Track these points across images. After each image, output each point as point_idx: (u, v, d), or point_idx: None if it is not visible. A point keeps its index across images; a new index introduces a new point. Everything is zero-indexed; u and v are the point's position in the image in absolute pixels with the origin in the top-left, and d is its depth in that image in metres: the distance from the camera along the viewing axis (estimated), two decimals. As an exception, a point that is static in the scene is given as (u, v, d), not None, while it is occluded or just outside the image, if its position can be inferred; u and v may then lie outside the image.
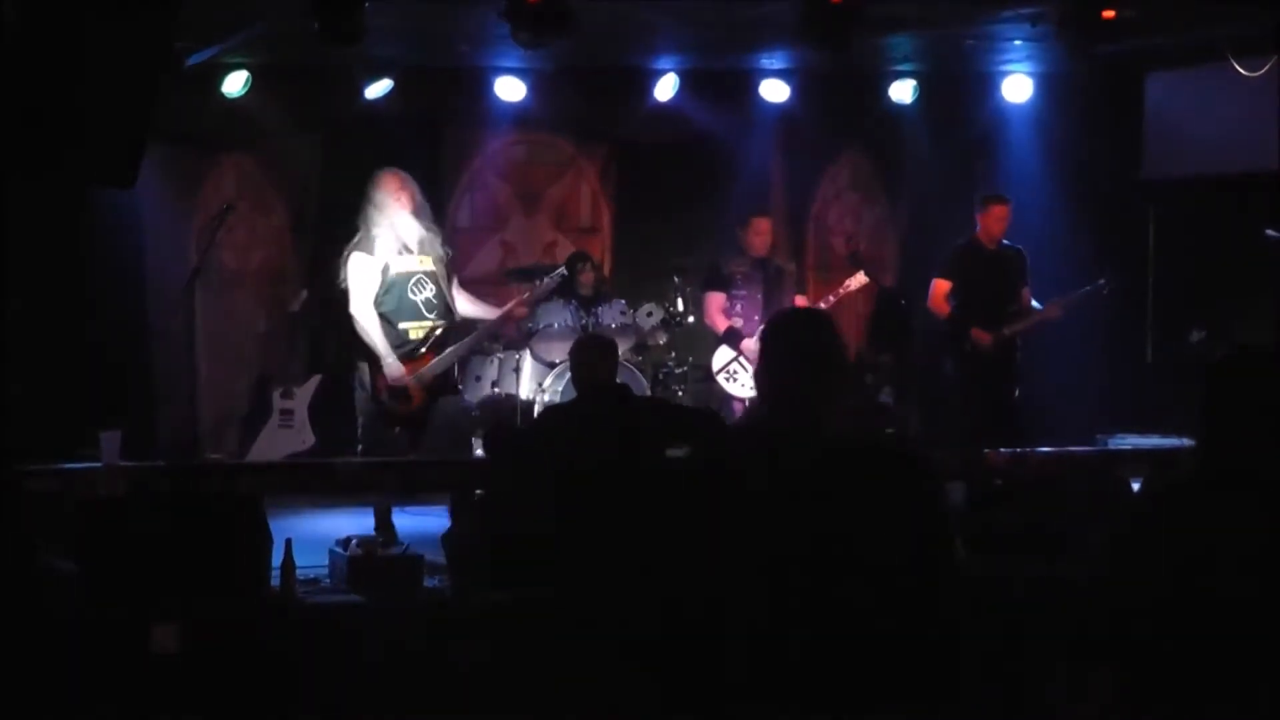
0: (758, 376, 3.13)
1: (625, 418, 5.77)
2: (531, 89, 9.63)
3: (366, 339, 6.90)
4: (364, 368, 7.00)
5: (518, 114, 9.88)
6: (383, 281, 6.91)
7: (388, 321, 6.90)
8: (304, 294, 9.29)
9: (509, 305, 7.38)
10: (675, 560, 2.99)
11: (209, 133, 9.38)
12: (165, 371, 9.21)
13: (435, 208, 9.76)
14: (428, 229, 7.07)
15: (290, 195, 9.77)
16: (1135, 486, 6.12)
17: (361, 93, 9.25)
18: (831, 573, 2.83)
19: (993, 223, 8.46)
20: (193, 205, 9.50)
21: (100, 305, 8.99)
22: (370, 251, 6.90)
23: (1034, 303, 8.50)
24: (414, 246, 6.97)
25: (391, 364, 6.83)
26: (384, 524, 6.85)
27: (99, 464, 5.84)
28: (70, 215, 8.57)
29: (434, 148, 9.97)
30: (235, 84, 8.99)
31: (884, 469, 2.94)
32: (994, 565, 6.26)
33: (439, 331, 7.03)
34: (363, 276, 6.90)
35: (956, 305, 8.47)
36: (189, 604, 5.26)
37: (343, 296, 6.98)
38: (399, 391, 6.90)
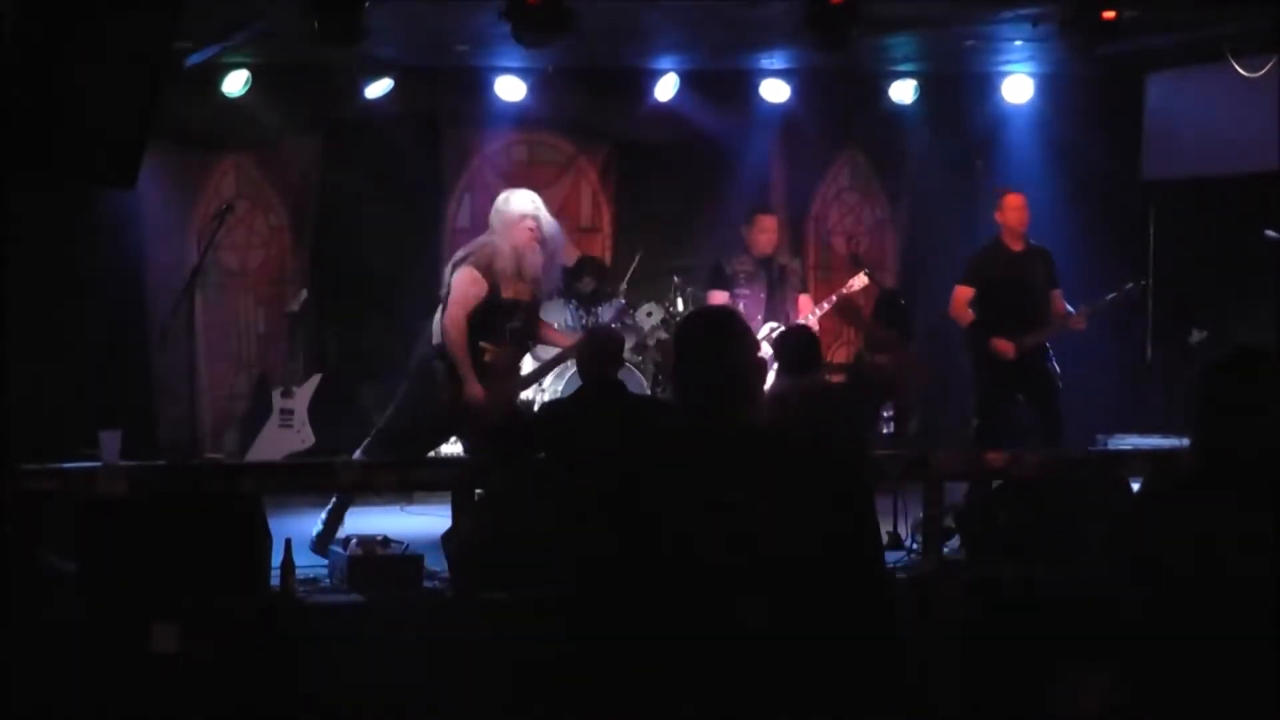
0: (671, 377, 3.14)
1: (623, 414, 5.77)
2: (531, 89, 9.63)
3: (451, 353, 6.63)
4: (441, 374, 6.73)
5: (518, 114, 9.87)
6: (486, 301, 6.69)
7: (470, 333, 6.68)
8: (304, 294, 9.29)
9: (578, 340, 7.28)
10: (606, 556, 2.99)
11: (209, 133, 9.37)
12: (165, 371, 9.20)
13: (435, 208, 9.88)
14: (548, 262, 6.89)
15: (290, 195, 9.76)
16: (1135, 486, 6.13)
17: (361, 93, 9.24)
18: (740, 567, 2.81)
19: (1010, 214, 8.19)
20: (193, 205, 9.49)
21: (100, 305, 8.99)
22: (484, 269, 6.69)
23: (1067, 306, 8.26)
24: (526, 276, 6.78)
25: (473, 385, 6.59)
26: (331, 524, 6.66)
27: (99, 464, 5.84)
28: (71, 215, 8.57)
29: (434, 148, 9.96)
30: (235, 84, 8.98)
31: (797, 462, 2.92)
32: (994, 565, 6.27)
33: (510, 360, 6.89)
34: (467, 291, 6.66)
35: (979, 312, 8.20)
36: (189, 604, 5.27)
37: (440, 301, 6.80)
38: (467, 413, 6.69)
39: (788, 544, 2.81)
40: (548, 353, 8.97)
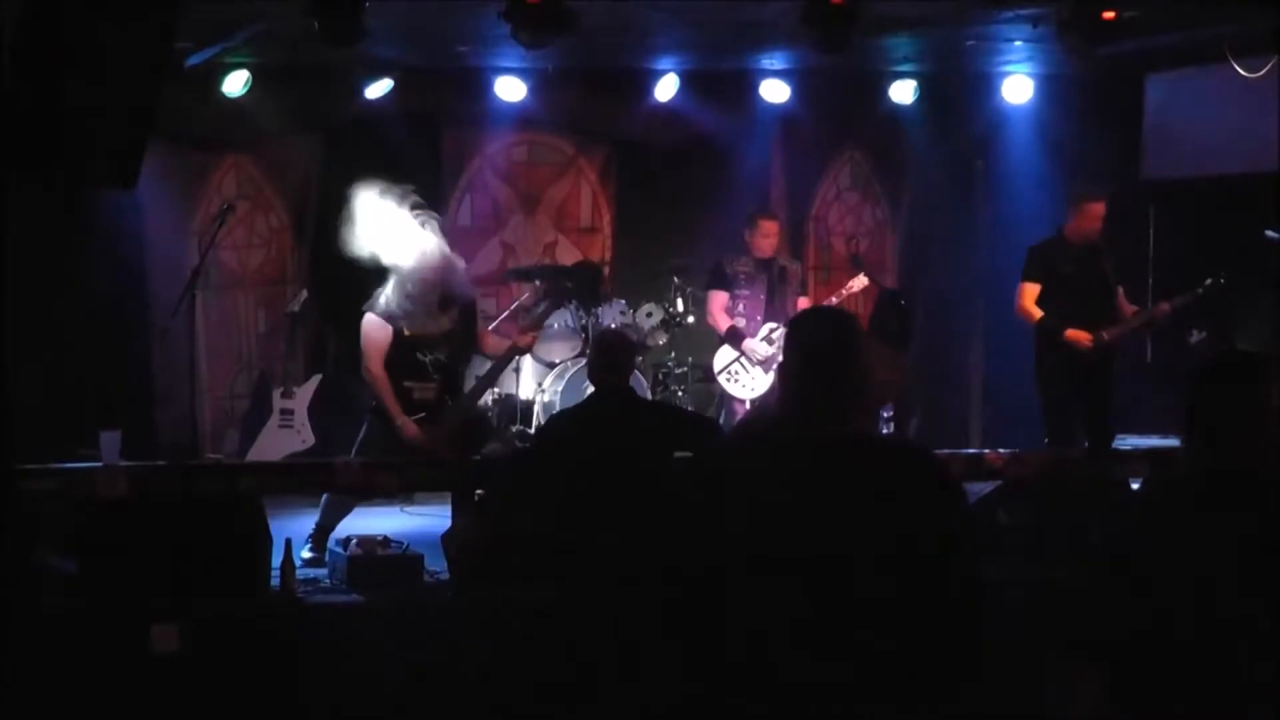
0: (779, 371, 3.14)
1: (630, 422, 5.76)
2: (531, 89, 9.63)
3: (378, 399, 6.69)
4: (382, 415, 6.74)
5: (518, 114, 9.88)
6: (395, 342, 6.68)
7: (392, 378, 6.68)
8: (304, 294, 9.29)
9: (514, 340, 7.11)
10: (679, 559, 2.99)
11: (209, 133, 9.37)
12: (165, 371, 9.20)
13: (435, 208, 9.83)
14: (454, 289, 6.80)
15: (290, 195, 9.77)
16: (1135, 486, 6.13)
17: (361, 93, 9.24)
18: (840, 571, 2.82)
19: (1088, 222, 7.93)
20: (193, 205, 9.49)
21: (100, 305, 8.99)
22: (386, 313, 6.67)
23: (1130, 304, 8.06)
24: (433, 308, 6.73)
25: (404, 425, 6.61)
26: (320, 537, 6.64)
27: (99, 464, 5.84)
28: (71, 215, 8.57)
29: (434, 148, 9.97)
30: (235, 84, 8.98)
31: (901, 468, 2.93)
32: (994, 565, 6.27)
33: (439, 392, 6.79)
34: (376, 338, 6.68)
35: (1047, 307, 7.93)
36: (189, 604, 5.27)
37: (357, 355, 6.80)
38: (418, 448, 6.68)
39: (890, 546, 2.82)
40: (547, 352, 9.01)
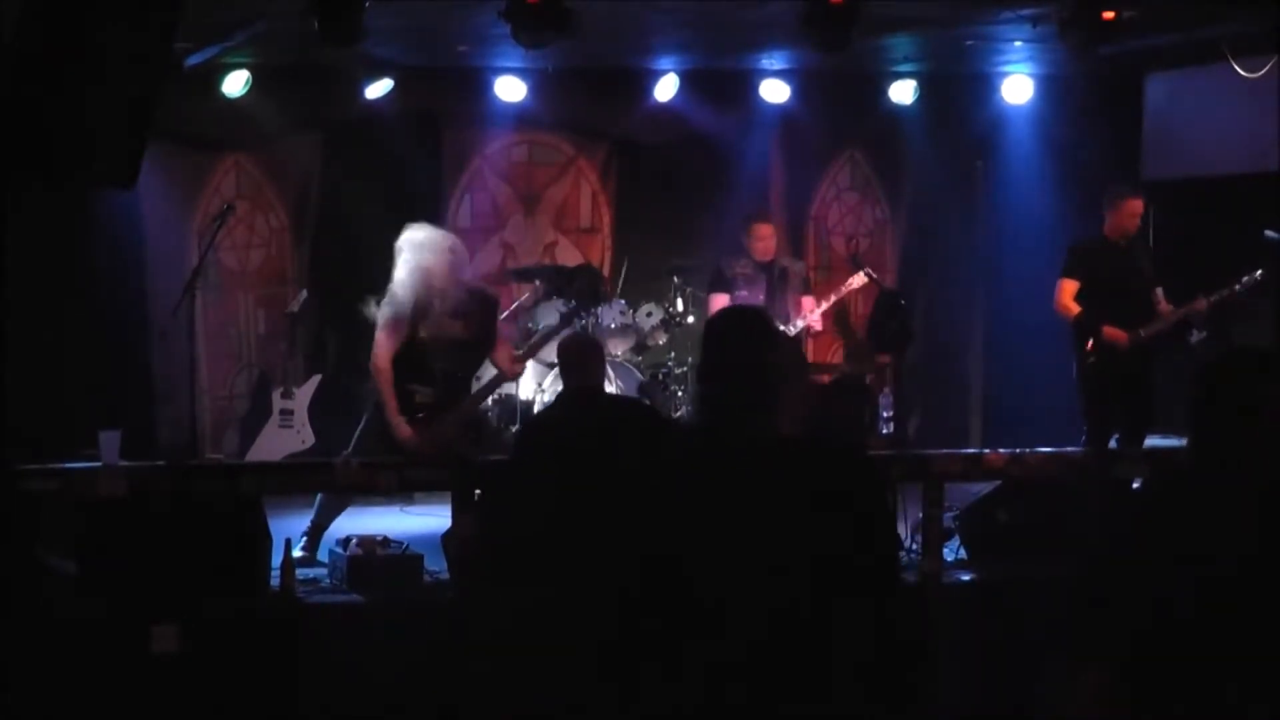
0: (696, 373, 3.09)
1: (604, 418, 5.75)
2: (531, 89, 9.63)
3: (380, 394, 6.61)
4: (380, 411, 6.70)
5: (518, 114, 9.88)
6: (409, 343, 6.61)
7: (397, 376, 6.61)
8: (304, 294, 9.29)
9: (504, 368, 7.01)
10: (618, 559, 2.98)
11: (209, 133, 9.37)
12: (165, 371, 9.20)
13: (435, 208, 9.87)
14: (467, 294, 6.73)
15: (290, 195, 9.77)
16: (1135, 486, 6.13)
17: (361, 93, 9.24)
18: (765, 571, 2.80)
19: (1127, 219, 7.89)
20: (193, 205, 9.49)
21: (100, 305, 8.99)
22: (405, 312, 6.58)
23: (1169, 304, 7.97)
24: (449, 312, 6.65)
25: (398, 424, 6.55)
26: (314, 536, 6.65)
27: (99, 464, 5.84)
28: (71, 215, 8.57)
29: (434, 148, 9.97)
30: (235, 84, 8.99)
31: (823, 468, 2.90)
32: (994, 565, 6.29)
33: (441, 399, 6.74)
34: (391, 335, 6.60)
35: (1086, 305, 7.87)
36: (189, 604, 5.27)
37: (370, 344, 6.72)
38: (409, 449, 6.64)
39: (814, 550, 2.80)
40: (547, 352, 8.99)
